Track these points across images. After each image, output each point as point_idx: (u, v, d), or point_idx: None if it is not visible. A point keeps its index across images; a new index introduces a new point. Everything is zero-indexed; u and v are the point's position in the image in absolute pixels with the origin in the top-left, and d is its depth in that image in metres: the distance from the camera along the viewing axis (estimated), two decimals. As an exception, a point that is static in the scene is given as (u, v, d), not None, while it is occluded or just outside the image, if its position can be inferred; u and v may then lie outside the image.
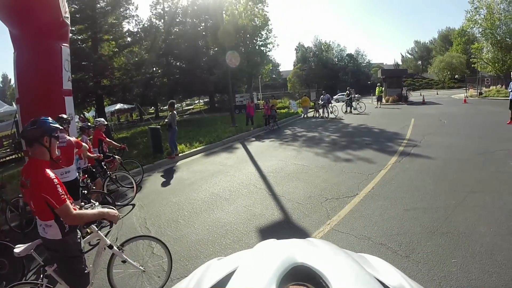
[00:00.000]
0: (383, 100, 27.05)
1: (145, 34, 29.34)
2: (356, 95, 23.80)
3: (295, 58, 73.19)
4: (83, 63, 19.34)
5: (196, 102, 56.18)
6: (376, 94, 26.13)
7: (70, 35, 8.27)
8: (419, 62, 71.86)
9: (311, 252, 0.83)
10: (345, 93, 23.38)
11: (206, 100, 49.31)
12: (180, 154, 11.33)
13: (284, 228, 4.96)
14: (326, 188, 6.49)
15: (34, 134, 2.73)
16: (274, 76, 63.04)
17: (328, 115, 20.34)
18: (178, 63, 34.53)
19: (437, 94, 37.85)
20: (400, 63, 73.00)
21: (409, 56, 74.81)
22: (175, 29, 33.81)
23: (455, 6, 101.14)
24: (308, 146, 11.09)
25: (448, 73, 55.58)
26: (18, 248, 3.06)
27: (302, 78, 60.95)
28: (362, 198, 5.73)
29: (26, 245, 3.08)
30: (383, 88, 27.30)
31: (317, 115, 21.48)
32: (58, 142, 2.94)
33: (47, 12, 6.73)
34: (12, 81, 47.91)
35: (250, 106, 18.04)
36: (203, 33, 34.96)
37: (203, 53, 34.25)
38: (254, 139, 14.34)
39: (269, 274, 0.65)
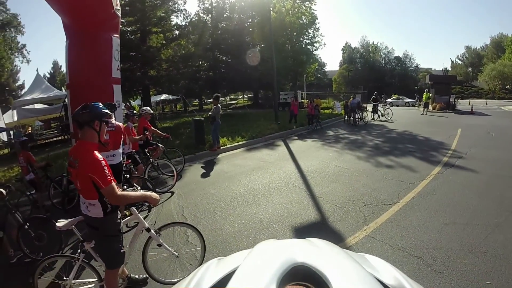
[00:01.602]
0: (430, 107, 25.77)
1: (192, 28, 30.03)
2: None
3: (342, 58, 72.23)
4: (131, 53, 20.19)
5: (240, 97, 57.02)
6: (423, 100, 24.87)
7: (120, 26, 8.62)
8: (469, 69, 66.96)
9: (311, 252, 0.81)
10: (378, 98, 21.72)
11: (250, 95, 49.91)
12: (221, 147, 11.50)
13: (319, 229, 4.87)
14: (366, 193, 6.32)
15: (85, 118, 2.87)
16: (319, 75, 62.35)
17: (357, 122, 18.39)
18: (224, 58, 35.11)
19: (486, 104, 35.51)
20: (449, 69, 68.96)
21: (459, 62, 70.01)
22: (222, 24, 34.39)
23: (508, 11, 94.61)
24: (350, 149, 10.84)
25: (499, 82, 52.02)
26: (60, 223, 3.22)
27: (348, 79, 59.85)
28: (401, 207, 5.53)
29: (68, 220, 3.24)
30: (430, 95, 25.98)
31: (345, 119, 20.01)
32: (107, 127, 3.06)
33: (100, 5, 7.04)
34: (62, 68, 50.28)
35: (294, 104, 17.88)
36: (250, 29, 35.20)
37: (249, 49, 34.55)
38: (296, 137, 14.25)
39: (269, 274, 0.65)
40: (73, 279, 3.35)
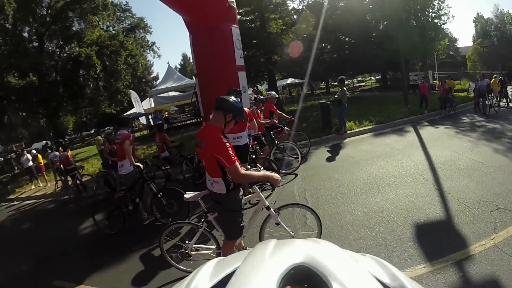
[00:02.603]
0: None
1: (310, 10, 29.75)
2: None
3: (474, 32, 62.16)
4: (253, 41, 21.11)
5: (368, 79, 54.32)
6: None
7: (239, 17, 9.10)
8: None
9: (311, 252, 0.76)
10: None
11: (378, 77, 47.37)
12: (348, 131, 11.35)
13: (442, 229, 4.36)
14: (501, 194, 5.31)
15: (225, 104, 3.17)
16: (451, 53, 55.21)
17: (486, 109, 14.00)
18: (347, 39, 33.96)
19: None
20: None
21: None
22: (340, 4, 33.15)
23: None
24: (486, 140, 9.22)
25: None
26: (188, 195, 3.69)
27: (483, 56, 51.59)
28: (542, 218, 4.51)
29: (195, 193, 3.67)
30: None
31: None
32: (233, 125, 3.30)
33: (213, 1, 7.62)
34: (191, 59, 55.90)
35: (425, 86, 16.41)
36: (370, 6, 33.24)
37: (372, 28, 32.63)
38: (427, 123, 12.96)
39: (269, 275, 0.63)
40: (195, 244, 3.81)
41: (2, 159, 34.42)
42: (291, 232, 3.74)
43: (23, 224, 10.10)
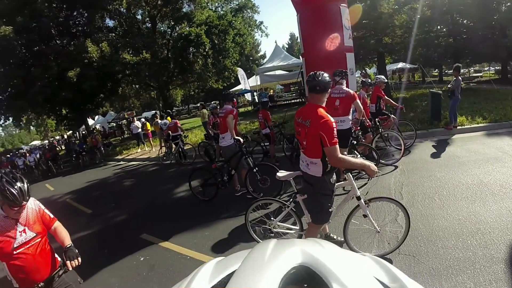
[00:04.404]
0: None
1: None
2: None
3: None
4: (363, 21, 20.17)
5: (486, 69, 48.32)
6: None
7: None
8: None
9: (311, 252, 0.79)
10: None
11: (498, 68, 42.05)
12: (458, 127, 10.41)
13: None
14: None
15: (317, 84, 3.22)
16: None
17: None
18: (465, 21, 30.46)
19: None
20: None
21: None
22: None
23: None
24: None
25: None
26: (281, 173, 3.89)
27: None
28: None
29: (288, 172, 3.85)
30: None
31: None
32: (328, 95, 3.36)
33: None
34: (298, 39, 56.53)
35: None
36: (491, -17, 28.99)
37: (494, 10, 28.65)
38: (549, 129, 11.21)
39: (270, 275, 0.68)
40: (279, 222, 4.04)
41: (115, 124, 39.61)
42: (377, 227, 3.71)
43: (125, 181, 11.79)
